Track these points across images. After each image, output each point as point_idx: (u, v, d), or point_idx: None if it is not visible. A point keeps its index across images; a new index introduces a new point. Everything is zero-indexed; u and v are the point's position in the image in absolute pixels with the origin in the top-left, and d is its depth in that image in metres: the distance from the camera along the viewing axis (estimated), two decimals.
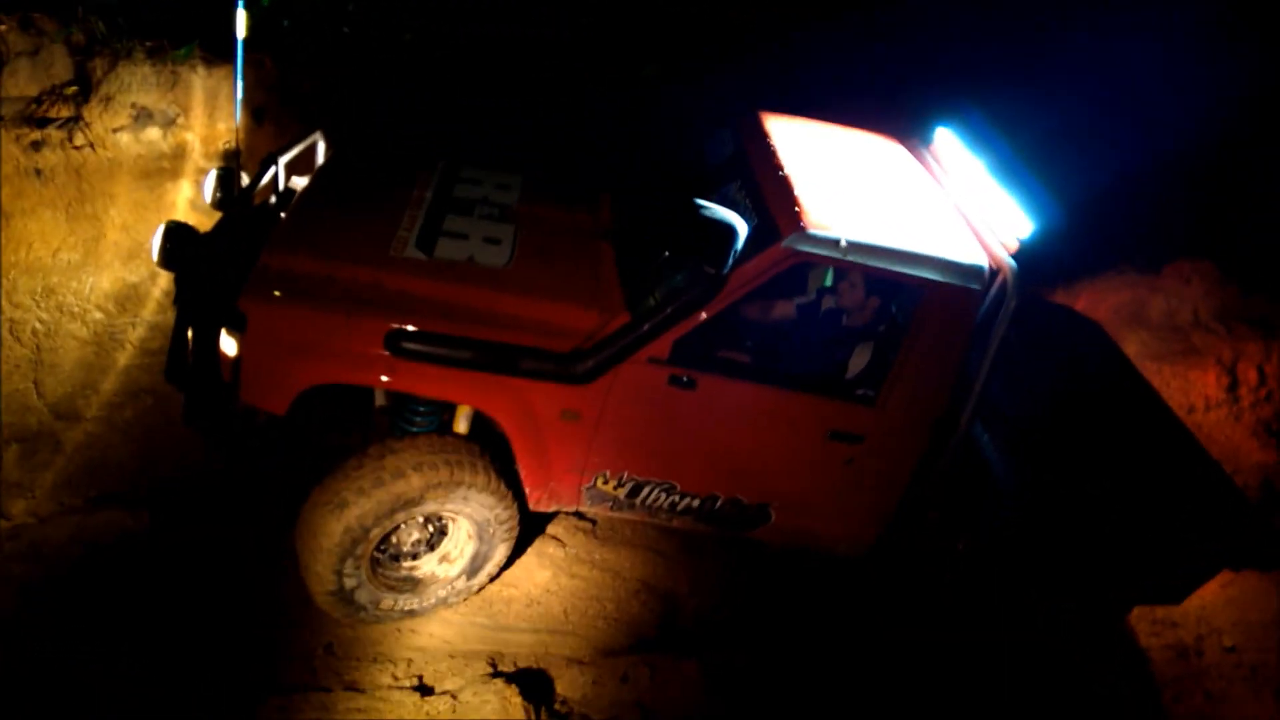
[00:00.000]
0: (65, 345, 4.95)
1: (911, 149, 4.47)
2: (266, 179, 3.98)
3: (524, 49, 7.07)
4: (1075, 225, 4.43)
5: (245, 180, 3.95)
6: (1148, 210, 7.24)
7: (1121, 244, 7.11)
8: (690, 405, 3.63)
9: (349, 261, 3.56)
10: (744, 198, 3.83)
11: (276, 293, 3.38)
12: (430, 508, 3.62)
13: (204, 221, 3.91)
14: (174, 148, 5.83)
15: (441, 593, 3.93)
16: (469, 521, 3.76)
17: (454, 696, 3.72)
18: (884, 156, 4.34)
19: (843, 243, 3.44)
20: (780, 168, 3.80)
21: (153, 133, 5.76)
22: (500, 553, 3.91)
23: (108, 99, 5.54)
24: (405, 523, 3.73)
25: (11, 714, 3.35)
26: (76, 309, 5.14)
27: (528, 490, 3.79)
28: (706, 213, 3.59)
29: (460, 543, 3.89)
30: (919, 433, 3.77)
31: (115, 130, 5.60)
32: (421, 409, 3.78)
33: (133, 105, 5.68)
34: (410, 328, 3.39)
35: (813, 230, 3.43)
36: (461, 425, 3.79)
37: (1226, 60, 7.33)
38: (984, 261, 3.55)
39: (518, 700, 3.70)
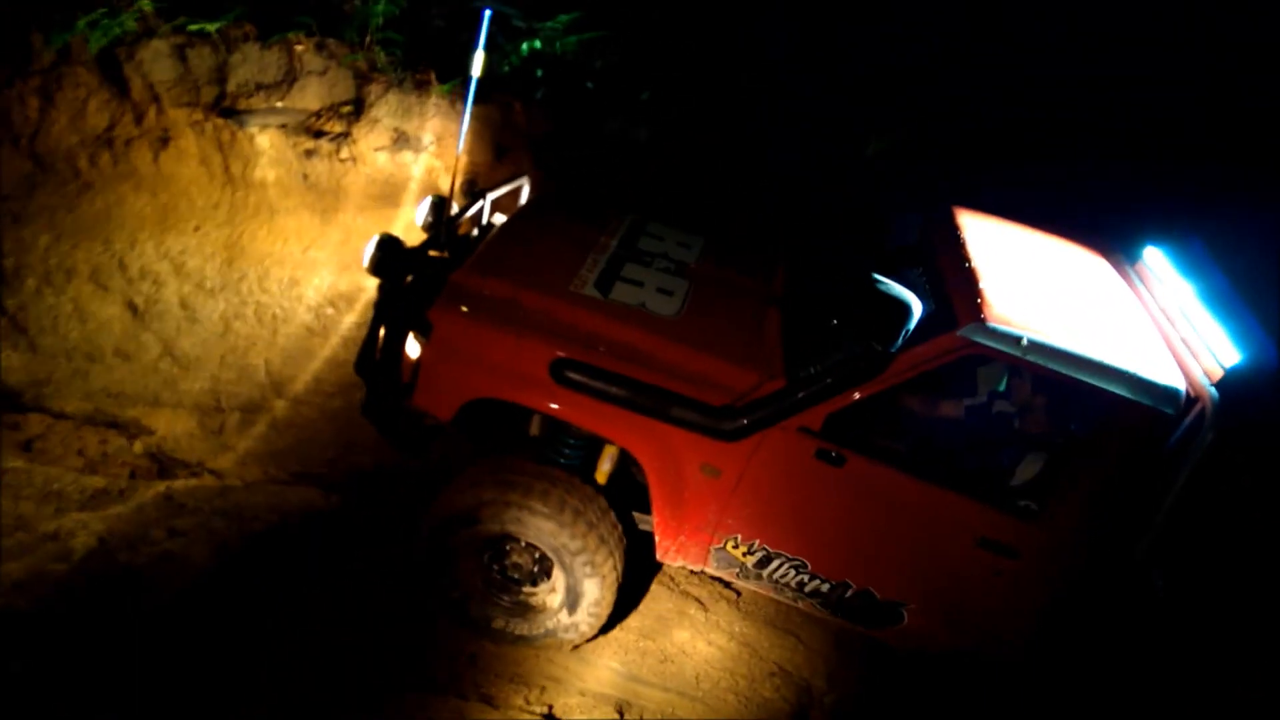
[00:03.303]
0: (296, 332, 5.56)
1: (1115, 264, 4.16)
2: (472, 211, 4.31)
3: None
4: None
5: (455, 209, 4.31)
6: None
7: None
8: (834, 483, 3.53)
9: (531, 290, 3.77)
10: (925, 284, 3.73)
11: (463, 308, 3.66)
12: (492, 527, 3.70)
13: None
14: (423, 172, 6.44)
15: (549, 624, 3.94)
16: (546, 549, 3.74)
17: None
18: (1082, 265, 4.08)
19: (1024, 340, 3.25)
20: (967, 258, 3.66)
21: (406, 156, 6.39)
22: (592, 590, 3.78)
23: (374, 121, 6.20)
24: (511, 546, 3.84)
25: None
26: (312, 302, 5.76)
27: (658, 538, 3.81)
28: (883, 287, 3.51)
29: (557, 575, 3.88)
30: (1081, 554, 3.47)
31: (376, 149, 6.26)
32: (570, 443, 3.90)
33: (395, 130, 6.33)
34: (574, 358, 3.54)
35: (992, 323, 3.27)
36: (603, 469, 3.88)
37: None
38: (1181, 385, 3.24)
39: None
